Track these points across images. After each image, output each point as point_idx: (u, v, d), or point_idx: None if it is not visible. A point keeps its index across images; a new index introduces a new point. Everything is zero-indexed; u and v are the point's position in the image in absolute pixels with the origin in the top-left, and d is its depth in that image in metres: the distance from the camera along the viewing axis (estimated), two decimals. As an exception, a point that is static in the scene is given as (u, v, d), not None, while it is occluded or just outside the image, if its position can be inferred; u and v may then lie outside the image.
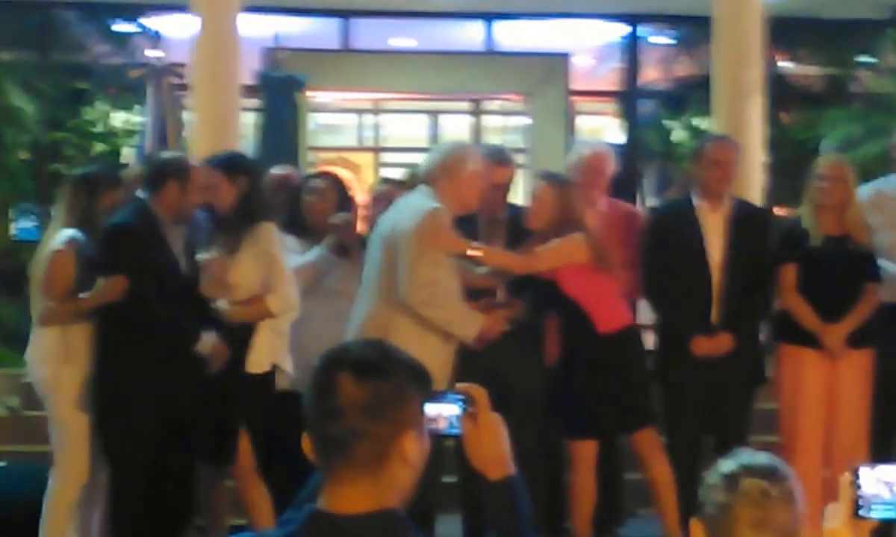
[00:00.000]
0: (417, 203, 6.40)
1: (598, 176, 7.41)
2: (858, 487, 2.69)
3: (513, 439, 6.16)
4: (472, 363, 6.54)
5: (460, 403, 2.83)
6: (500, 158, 7.20)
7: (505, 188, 7.11)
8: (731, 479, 2.72)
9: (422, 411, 2.63)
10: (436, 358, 6.17)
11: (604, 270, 6.76)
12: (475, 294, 6.66)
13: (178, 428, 6.49)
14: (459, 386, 2.88)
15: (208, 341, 6.49)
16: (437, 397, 2.77)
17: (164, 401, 6.43)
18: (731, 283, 7.06)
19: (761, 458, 2.78)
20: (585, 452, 6.89)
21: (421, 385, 2.64)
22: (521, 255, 6.71)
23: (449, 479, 6.99)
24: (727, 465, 2.76)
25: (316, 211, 7.24)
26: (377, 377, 2.58)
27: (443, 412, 2.80)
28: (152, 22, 13.24)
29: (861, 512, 2.69)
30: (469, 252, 6.50)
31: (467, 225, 6.75)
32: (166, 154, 8.06)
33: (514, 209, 7.20)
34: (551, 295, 6.78)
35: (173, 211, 6.62)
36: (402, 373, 2.62)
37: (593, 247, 6.71)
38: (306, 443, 2.61)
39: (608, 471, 7.27)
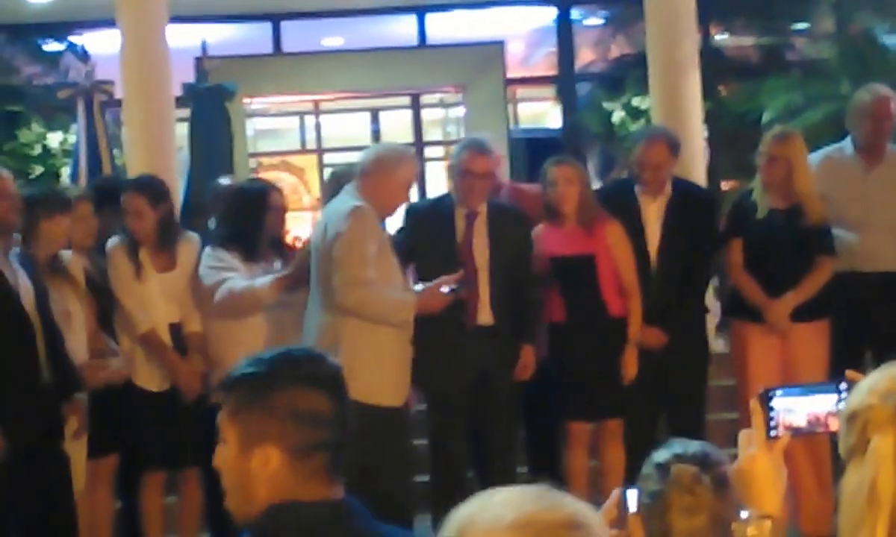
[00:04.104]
0: (343, 204, 6.29)
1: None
2: (771, 410, 2.66)
3: (495, 431, 6.02)
4: (452, 361, 6.65)
5: None
6: (478, 148, 6.93)
7: (485, 179, 6.85)
8: (663, 468, 2.79)
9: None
10: (391, 358, 6.27)
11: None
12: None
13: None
14: None
15: None
16: None
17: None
18: (667, 270, 7.03)
19: (693, 447, 2.84)
20: (580, 432, 6.93)
21: None
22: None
23: (421, 479, 6.91)
24: (660, 455, 2.83)
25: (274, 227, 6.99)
26: None
27: None
28: (81, 39, 12.86)
29: (773, 434, 2.66)
30: None
31: (444, 219, 6.77)
32: None
33: (495, 203, 7.00)
34: (562, 275, 6.85)
35: None
36: None
37: None
38: None
39: None
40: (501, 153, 7.64)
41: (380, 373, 6.22)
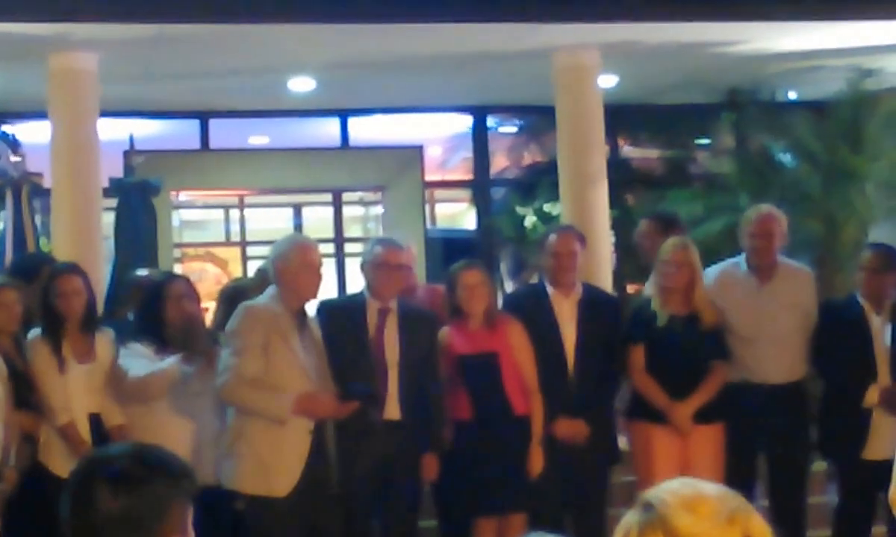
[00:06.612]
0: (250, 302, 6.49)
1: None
2: None
3: (396, 522, 6.11)
4: (359, 453, 6.55)
5: None
6: (391, 242, 7.03)
7: (400, 271, 6.90)
8: None
9: (185, 515, 2.42)
10: (274, 448, 6.21)
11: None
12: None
13: None
14: None
15: None
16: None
17: None
18: (585, 367, 7.06)
19: None
20: (486, 526, 6.85)
21: (183, 488, 2.42)
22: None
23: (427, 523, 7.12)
24: None
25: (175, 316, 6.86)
26: (134, 489, 2.37)
27: None
28: (12, 129, 12.70)
29: None
30: None
31: (357, 316, 6.74)
32: None
33: (405, 303, 6.99)
34: (468, 373, 6.81)
35: None
36: (161, 481, 2.40)
37: None
38: None
39: None
40: (415, 251, 7.64)
41: (257, 463, 6.23)
